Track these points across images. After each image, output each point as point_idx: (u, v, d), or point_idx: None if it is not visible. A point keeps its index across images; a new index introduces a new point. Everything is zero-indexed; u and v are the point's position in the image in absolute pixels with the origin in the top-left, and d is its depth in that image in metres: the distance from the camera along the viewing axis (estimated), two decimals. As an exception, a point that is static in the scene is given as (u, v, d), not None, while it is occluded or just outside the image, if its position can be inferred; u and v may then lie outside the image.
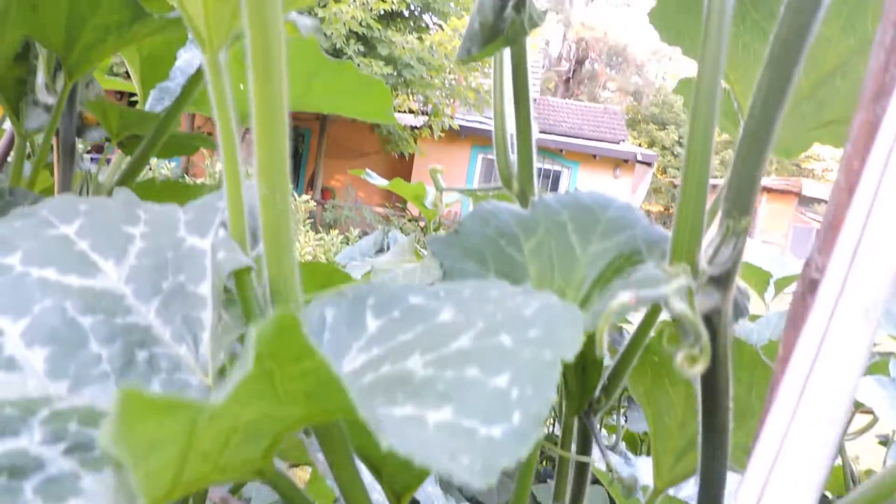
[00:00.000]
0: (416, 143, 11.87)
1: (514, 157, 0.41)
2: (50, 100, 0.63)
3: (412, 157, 12.58)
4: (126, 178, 0.64)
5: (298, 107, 0.72)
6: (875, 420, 0.96)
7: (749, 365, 0.43)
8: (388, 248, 2.10)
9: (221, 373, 0.28)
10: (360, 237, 8.77)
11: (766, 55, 0.27)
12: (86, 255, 0.31)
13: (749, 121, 0.28)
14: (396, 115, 11.84)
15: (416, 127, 11.88)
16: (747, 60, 0.38)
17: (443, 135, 11.78)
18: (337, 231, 7.57)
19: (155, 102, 1.06)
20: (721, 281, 0.29)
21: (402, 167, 13.36)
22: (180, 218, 0.34)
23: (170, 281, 0.31)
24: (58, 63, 0.60)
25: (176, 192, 0.85)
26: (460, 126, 12.19)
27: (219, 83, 0.27)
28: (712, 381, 0.31)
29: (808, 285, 0.28)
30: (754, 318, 1.58)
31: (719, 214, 0.33)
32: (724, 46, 0.31)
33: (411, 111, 11.80)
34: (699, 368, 0.25)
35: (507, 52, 0.39)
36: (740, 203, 0.28)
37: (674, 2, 0.39)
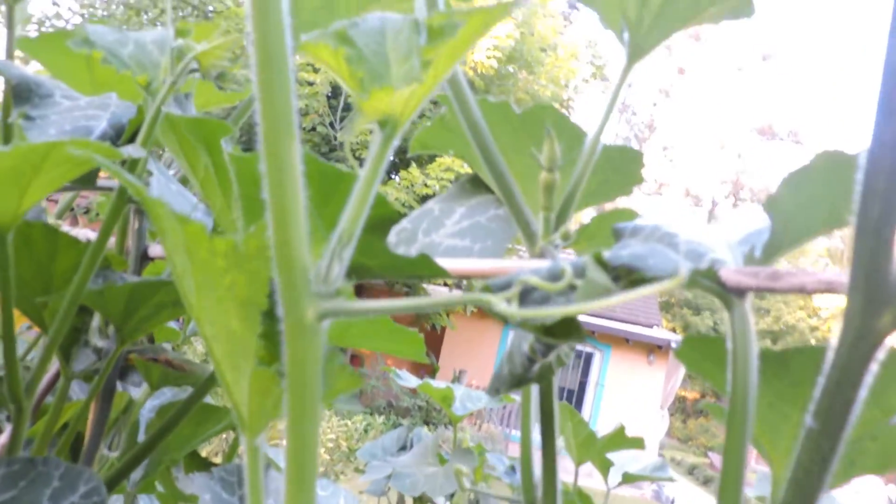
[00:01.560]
0: (448, 316, 11.99)
1: (538, 474, 0.42)
2: (101, 343, 0.66)
3: (444, 329, 12.64)
4: (180, 415, 0.64)
5: (338, 342, 0.74)
6: None
7: None
8: (412, 445, 2.05)
9: None
10: (385, 422, 8.56)
11: (790, 478, 0.27)
12: None
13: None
14: (430, 287, 12.07)
15: (449, 301, 12.03)
16: (773, 416, 0.39)
17: (475, 310, 11.90)
18: (362, 403, 7.45)
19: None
20: None
21: (433, 339, 13.40)
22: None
23: None
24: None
25: (206, 416, 0.86)
26: (493, 302, 12.34)
27: (254, 464, 0.28)
28: None
29: None
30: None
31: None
32: (751, 410, 0.32)
33: (446, 284, 12.04)
34: None
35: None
36: None
37: (699, 349, 0.41)
